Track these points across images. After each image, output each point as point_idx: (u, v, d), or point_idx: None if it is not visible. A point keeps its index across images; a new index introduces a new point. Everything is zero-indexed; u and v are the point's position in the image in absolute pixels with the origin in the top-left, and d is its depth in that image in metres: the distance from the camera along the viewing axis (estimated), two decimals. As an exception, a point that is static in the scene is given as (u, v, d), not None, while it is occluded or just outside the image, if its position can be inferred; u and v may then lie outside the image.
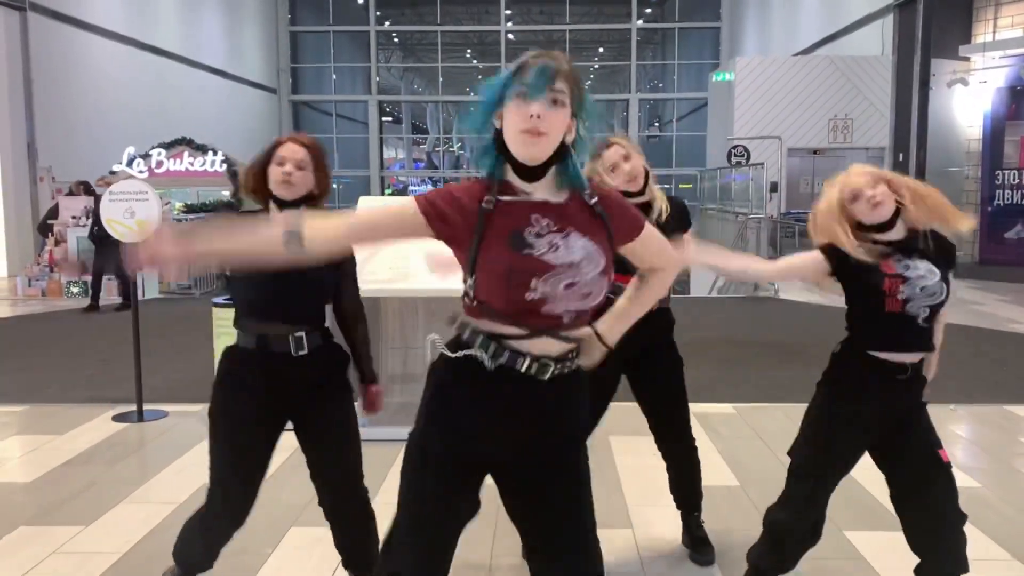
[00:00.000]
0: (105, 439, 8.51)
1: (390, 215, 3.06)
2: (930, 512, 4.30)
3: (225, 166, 24.43)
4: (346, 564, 4.73)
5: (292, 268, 3.48)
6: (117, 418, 9.20)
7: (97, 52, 28.80)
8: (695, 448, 5.63)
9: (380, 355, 8.79)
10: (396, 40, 57.98)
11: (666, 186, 47.67)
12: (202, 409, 9.01)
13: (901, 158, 25.39)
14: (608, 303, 3.25)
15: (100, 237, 17.84)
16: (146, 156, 24.17)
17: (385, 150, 53.29)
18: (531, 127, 2.91)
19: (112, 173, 23.28)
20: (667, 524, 5.98)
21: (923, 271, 4.12)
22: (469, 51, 59.73)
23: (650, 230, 3.22)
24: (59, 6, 26.37)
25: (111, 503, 6.78)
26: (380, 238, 3.19)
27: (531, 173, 3.02)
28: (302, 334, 4.27)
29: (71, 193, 20.59)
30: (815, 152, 27.74)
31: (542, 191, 3.05)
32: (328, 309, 4.50)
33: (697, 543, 5.72)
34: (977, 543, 5.73)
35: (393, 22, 54.38)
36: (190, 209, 22.04)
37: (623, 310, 3.34)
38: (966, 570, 4.32)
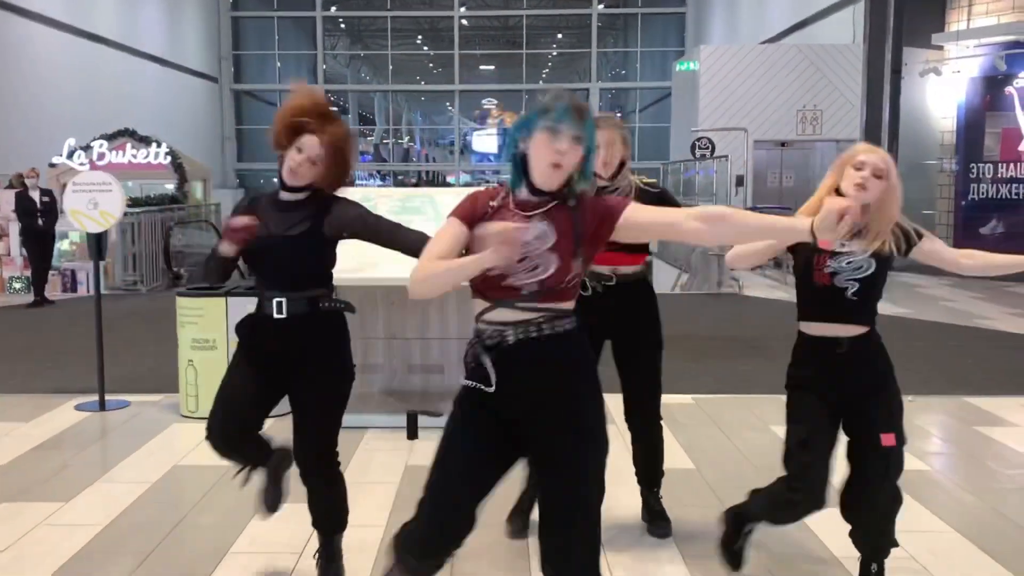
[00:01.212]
0: (71, 426, 9.19)
1: (451, 238, 3.88)
2: (860, 486, 5.04)
3: (169, 158, 24.92)
4: (314, 524, 5.43)
5: (273, 245, 4.68)
6: (80, 407, 9.86)
7: (36, 39, 29.29)
8: (661, 428, 6.39)
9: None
10: (343, 26, 58.20)
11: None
12: (162, 399, 9.74)
13: None
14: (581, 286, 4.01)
15: (41, 231, 18.48)
16: (87, 148, 24.65)
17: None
18: (556, 161, 3.73)
19: (52, 166, 23.78)
20: (629, 500, 6.70)
21: (854, 247, 4.84)
22: (420, 37, 59.76)
23: (633, 208, 3.94)
24: (-3, -7, 26.75)
25: (86, 483, 7.48)
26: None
27: (540, 192, 3.85)
28: (283, 299, 4.98)
29: (10, 186, 21.00)
30: (783, 144, 28.13)
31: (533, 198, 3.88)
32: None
33: (655, 517, 6.48)
34: (921, 517, 6.65)
35: (340, 7, 54.70)
36: (134, 203, 22.26)
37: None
38: (891, 545, 5.10)
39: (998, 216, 23.82)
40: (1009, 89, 23.25)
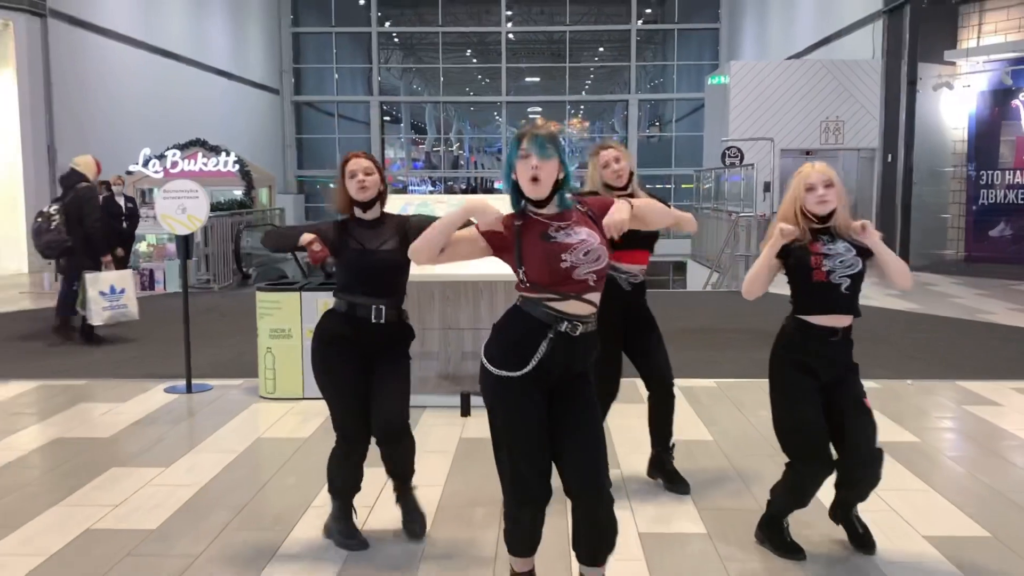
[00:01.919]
0: (162, 406, 10.00)
1: (467, 239, 4.75)
2: (851, 441, 5.76)
3: (237, 166, 25.68)
4: (388, 473, 6.23)
5: (371, 258, 5.59)
6: (168, 390, 10.67)
7: (110, 55, 29.97)
8: (673, 395, 7.15)
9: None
10: (396, 40, 58.60)
11: (668, 186, 48.58)
12: (242, 383, 10.49)
13: (890, 159, 26.44)
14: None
15: (126, 233, 19.27)
16: (161, 157, 25.41)
17: (385, 150, 54.26)
18: (533, 175, 4.60)
19: (128, 173, 24.49)
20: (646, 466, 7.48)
21: (841, 249, 5.61)
22: (469, 51, 60.31)
23: (620, 203, 4.89)
24: (76, 11, 27.53)
25: (182, 452, 8.31)
26: (462, 255, 4.82)
27: (539, 204, 4.69)
28: (382, 306, 5.83)
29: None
30: (807, 153, 28.13)
31: (551, 210, 4.70)
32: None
33: (670, 476, 7.24)
34: (905, 480, 7.40)
35: (394, 23, 55.28)
36: (207, 208, 23.00)
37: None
38: (877, 479, 5.83)
39: (1006, 220, 24.41)
40: (1015, 102, 23.79)
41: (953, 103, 25.27)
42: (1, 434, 8.90)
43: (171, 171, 25.03)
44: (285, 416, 9.47)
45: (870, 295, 19.15)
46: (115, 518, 6.61)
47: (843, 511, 6.03)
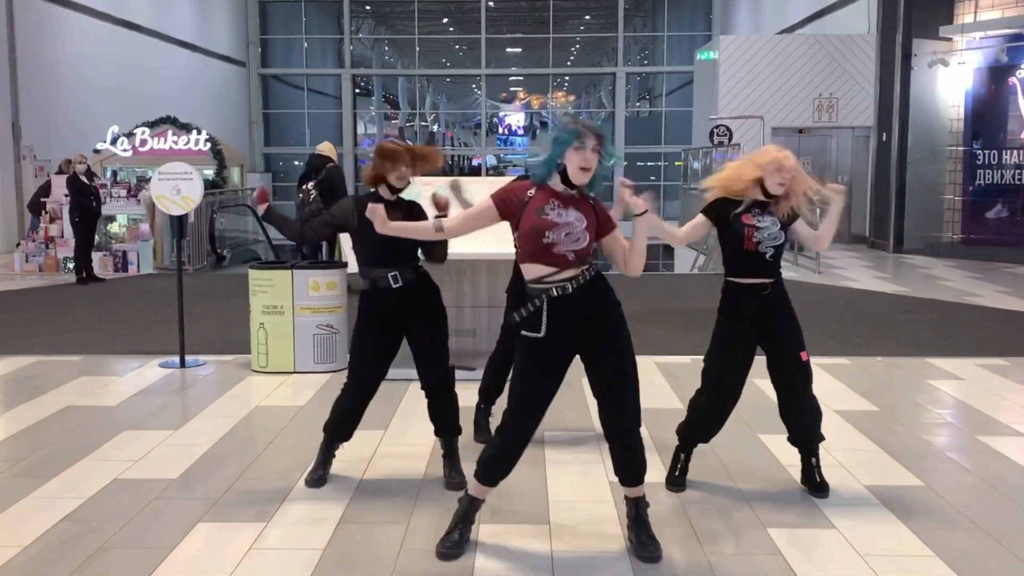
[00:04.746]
0: (160, 379, 11.41)
1: (482, 208, 6.26)
2: (790, 395, 7.37)
3: (209, 145, 26.73)
4: (437, 432, 7.76)
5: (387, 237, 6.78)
6: (163, 364, 12.07)
7: (76, 28, 30.76)
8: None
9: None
10: (368, 8, 58.27)
11: (664, 164, 49.05)
12: (233, 358, 11.86)
13: (885, 138, 27.49)
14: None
15: (96, 212, 20.61)
16: (130, 135, 26.36)
17: (357, 125, 54.27)
18: (585, 166, 5.97)
19: (96, 152, 25.81)
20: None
21: (768, 223, 7.09)
22: (446, 19, 60.09)
23: (616, 234, 6.27)
24: (41, -16, 28.31)
25: (187, 418, 9.77)
26: (481, 224, 6.32)
27: (572, 185, 6.05)
28: (396, 272, 7.26)
29: (60, 171, 23.16)
30: (800, 131, 29.38)
31: (568, 192, 6.08)
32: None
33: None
34: (857, 442, 8.91)
35: (366, -10, 55.40)
36: (179, 188, 23.87)
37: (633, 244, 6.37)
38: (819, 439, 7.49)
39: (1004, 201, 25.51)
40: (1012, 79, 24.84)
41: (949, 80, 26.23)
42: (13, 402, 10.32)
43: (140, 149, 26.13)
44: (279, 388, 10.87)
45: (858, 277, 20.60)
46: (138, 470, 8.02)
47: (803, 464, 7.60)
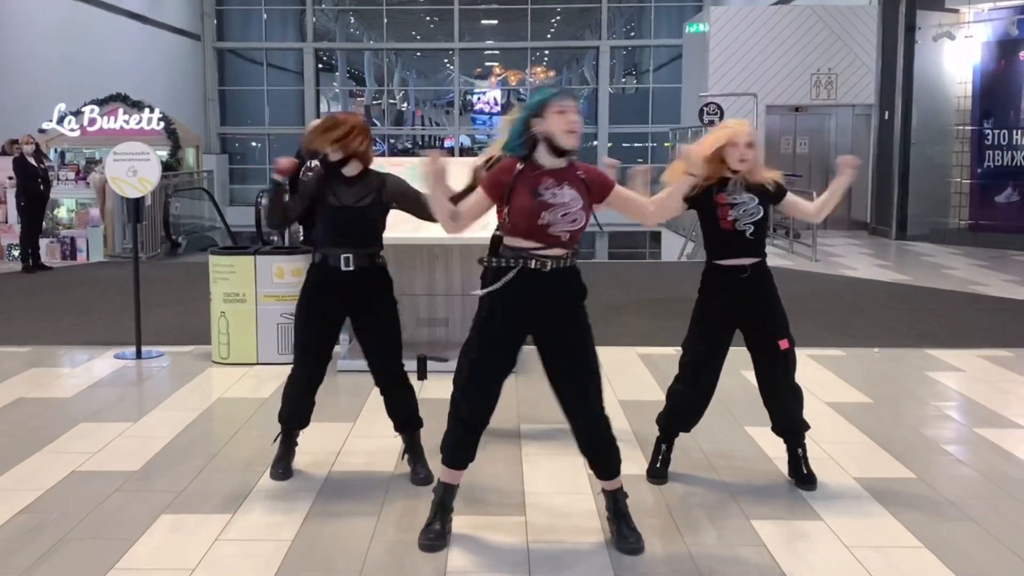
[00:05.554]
0: (116, 370, 11.69)
1: (479, 197, 6.37)
2: (769, 384, 7.70)
3: (163, 124, 26.97)
4: (397, 428, 7.96)
5: (346, 212, 7.26)
6: (118, 356, 12.33)
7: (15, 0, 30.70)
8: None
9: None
10: None
11: (652, 144, 49.04)
12: (192, 349, 12.12)
13: (887, 116, 27.58)
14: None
15: (43, 195, 20.82)
16: (78, 113, 26.58)
17: (320, 103, 54.17)
18: (571, 128, 6.15)
19: (42, 131, 25.86)
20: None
21: (745, 199, 7.35)
22: None
23: (618, 189, 6.53)
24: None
25: (147, 409, 10.06)
26: (483, 212, 6.44)
27: (561, 153, 6.21)
28: (349, 255, 7.45)
29: (3, 152, 23.20)
30: (796, 110, 29.48)
31: (558, 164, 6.26)
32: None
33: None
34: (850, 435, 9.24)
35: (330, -43, 54.90)
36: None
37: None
38: (802, 428, 7.80)
39: (1015, 184, 25.57)
40: (1023, 54, 24.91)
41: (956, 55, 26.22)
42: (-40, 395, 10.59)
43: (89, 129, 26.31)
44: (242, 379, 11.17)
45: (857, 265, 20.88)
46: (96, 462, 8.31)
47: (789, 456, 7.91)
